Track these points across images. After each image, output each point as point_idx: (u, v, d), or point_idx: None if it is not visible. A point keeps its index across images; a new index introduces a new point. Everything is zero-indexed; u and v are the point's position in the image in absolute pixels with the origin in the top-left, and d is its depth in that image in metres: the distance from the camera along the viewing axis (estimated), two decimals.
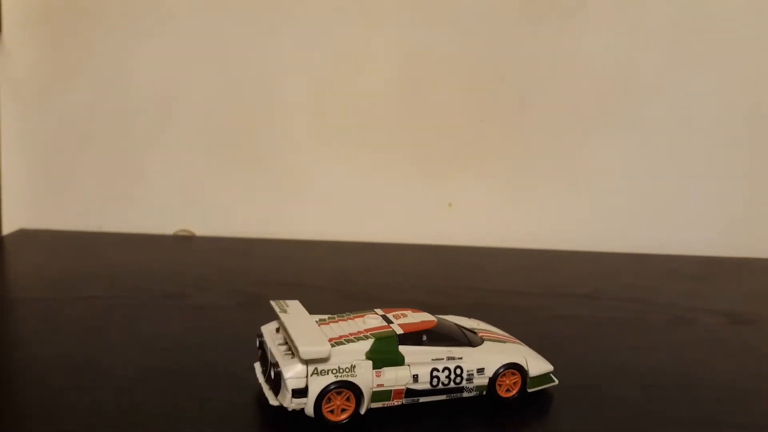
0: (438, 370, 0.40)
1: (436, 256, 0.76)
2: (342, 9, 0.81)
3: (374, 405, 0.39)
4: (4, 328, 0.52)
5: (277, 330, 0.42)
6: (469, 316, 0.50)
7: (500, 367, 0.41)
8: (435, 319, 0.42)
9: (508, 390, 0.41)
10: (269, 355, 0.40)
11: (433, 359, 0.40)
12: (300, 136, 0.83)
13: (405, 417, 0.39)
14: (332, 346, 0.38)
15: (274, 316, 0.56)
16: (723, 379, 0.46)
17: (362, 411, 0.38)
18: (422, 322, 0.41)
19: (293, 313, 0.41)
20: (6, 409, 0.40)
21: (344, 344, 0.38)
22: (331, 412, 0.38)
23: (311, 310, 0.58)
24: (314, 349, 0.37)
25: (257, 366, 0.43)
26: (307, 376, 0.37)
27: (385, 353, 0.39)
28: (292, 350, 0.39)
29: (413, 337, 0.40)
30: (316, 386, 0.37)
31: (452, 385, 0.40)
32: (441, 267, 0.72)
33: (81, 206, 0.86)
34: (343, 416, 0.38)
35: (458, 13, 0.80)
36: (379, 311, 0.43)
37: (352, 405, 0.38)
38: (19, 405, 0.41)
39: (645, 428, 0.39)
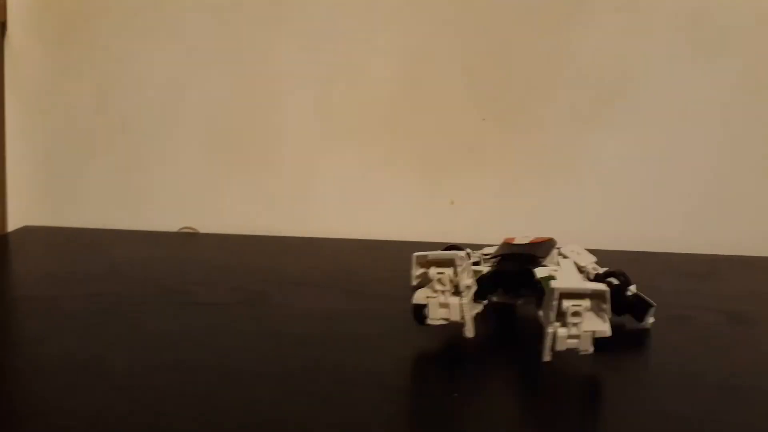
0: None
1: None
2: (345, 8, 0.81)
3: None
4: (8, 326, 0.53)
5: None
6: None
7: None
8: None
9: None
10: None
11: None
12: (303, 135, 0.84)
13: None
14: None
15: (275, 315, 0.56)
16: (722, 379, 0.46)
17: None
18: None
19: None
20: (10, 407, 0.40)
21: None
22: None
23: (313, 308, 0.58)
24: None
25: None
26: None
27: None
28: None
29: None
30: None
31: None
32: None
33: (85, 204, 0.87)
34: None
35: (460, 13, 0.80)
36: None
37: None
38: (23, 403, 0.41)
39: (644, 428, 0.39)
